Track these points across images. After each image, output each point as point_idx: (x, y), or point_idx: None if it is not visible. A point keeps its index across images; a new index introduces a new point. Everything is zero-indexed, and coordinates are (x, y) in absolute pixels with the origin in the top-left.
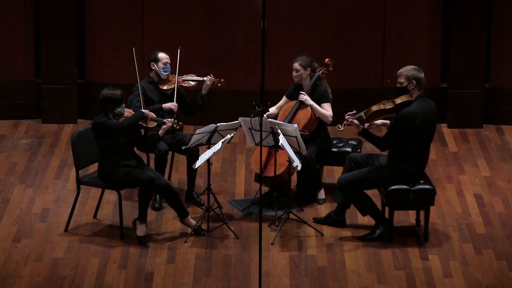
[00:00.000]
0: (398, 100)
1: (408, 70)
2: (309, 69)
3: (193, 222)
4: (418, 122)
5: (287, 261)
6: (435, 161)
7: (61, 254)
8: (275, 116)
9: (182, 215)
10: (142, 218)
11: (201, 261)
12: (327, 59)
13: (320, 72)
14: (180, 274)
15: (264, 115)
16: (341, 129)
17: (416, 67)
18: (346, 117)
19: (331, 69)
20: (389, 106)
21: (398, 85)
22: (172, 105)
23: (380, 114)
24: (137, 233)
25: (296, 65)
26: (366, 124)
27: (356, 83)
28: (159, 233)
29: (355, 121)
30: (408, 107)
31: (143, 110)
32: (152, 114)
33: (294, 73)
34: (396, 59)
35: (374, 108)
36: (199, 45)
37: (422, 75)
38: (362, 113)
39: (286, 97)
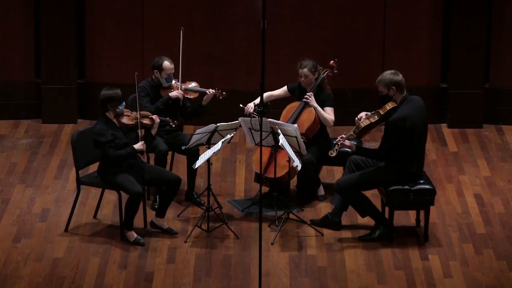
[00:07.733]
0: (383, 111)
1: (385, 77)
2: (316, 73)
3: (165, 224)
4: (408, 125)
5: (287, 261)
6: (435, 161)
7: (61, 254)
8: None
9: (161, 215)
10: (129, 227)
11: (201, 261)
12: (332, 61)
13: (325, 74)
14: (180, 274)
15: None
16: (334, 154)
17: (393, 71)
18: (337, 140)
19: (335, 71)
20: (375, 118)
21: (379, 94)
22: (178, 93)
23: (369, 128)
24: (129, 240)
25: (306, 71)
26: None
27: (356, 83)
28: (159, 233)
29: (347, 142)
30: (395, 114)
31: (135, 147)
32: (142, 146)
33: (302, 79)
34: (396, 59)
35: (362, 124)
36: (199, 45)
37: (399, 77)
38: (351, 132)
39: (288, 90)
